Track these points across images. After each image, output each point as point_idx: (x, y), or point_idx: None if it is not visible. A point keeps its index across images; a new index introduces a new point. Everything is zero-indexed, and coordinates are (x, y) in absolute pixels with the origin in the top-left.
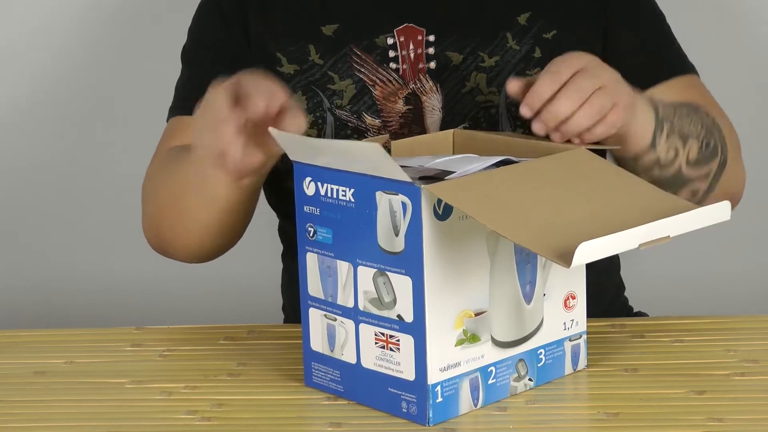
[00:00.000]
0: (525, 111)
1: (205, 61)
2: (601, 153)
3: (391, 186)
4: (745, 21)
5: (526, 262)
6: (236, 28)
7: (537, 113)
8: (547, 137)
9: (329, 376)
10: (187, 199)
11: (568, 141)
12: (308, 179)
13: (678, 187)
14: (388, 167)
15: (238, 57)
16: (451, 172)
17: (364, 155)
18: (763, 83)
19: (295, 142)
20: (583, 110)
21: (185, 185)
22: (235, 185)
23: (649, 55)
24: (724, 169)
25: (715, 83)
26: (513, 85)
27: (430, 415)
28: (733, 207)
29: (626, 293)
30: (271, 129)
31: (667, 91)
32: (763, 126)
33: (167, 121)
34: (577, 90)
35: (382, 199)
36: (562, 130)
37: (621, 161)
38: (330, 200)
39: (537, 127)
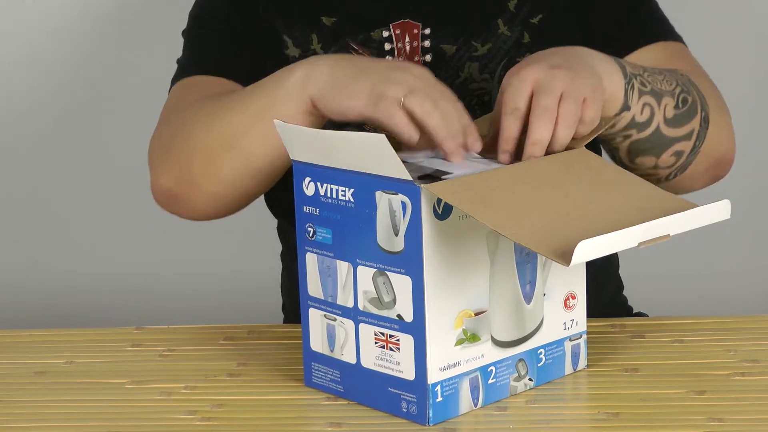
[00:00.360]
0: (506, 158)
1: (213, 28)
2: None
3: (391, 186)
4: (745, 20)
5: (526, 262)
6: (245, 4)
7: (519, 153)
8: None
9: (329, 376)
10: (245, 131)
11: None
12: (308, 179)
13: (661, 150)
14: (390, 160)
15: (245, 32)
16: (448, 172)
17: (367, 146)
18: (764, 83)
19: (296, 134)
20: (559, 126)
21: (243, 122)
22: (303, 119)
23: (633, 19)
24: (707, 127)
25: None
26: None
27: (430, 415)
28: (722, 171)
29: (626, 293)
30: (275, 121)
31: (650, 55)
32: (763, 126)
33: (171, 89)
34: (544, 110)
35: (381, 198)
36: (550, 150)
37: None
38: (329, 200)
39: (531, 160)
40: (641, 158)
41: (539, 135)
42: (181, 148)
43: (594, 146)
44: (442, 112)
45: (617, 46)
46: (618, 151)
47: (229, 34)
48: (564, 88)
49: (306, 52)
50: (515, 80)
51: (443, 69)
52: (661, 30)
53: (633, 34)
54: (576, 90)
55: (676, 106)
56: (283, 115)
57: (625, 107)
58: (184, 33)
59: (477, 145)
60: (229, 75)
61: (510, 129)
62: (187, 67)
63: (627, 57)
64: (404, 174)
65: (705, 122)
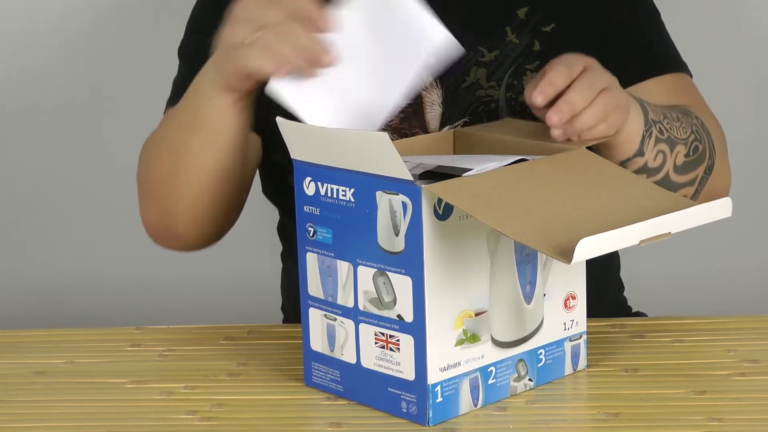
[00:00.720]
0: (538, 98)
1: (201, 57)
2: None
3: (391, 186)
4: (745, 21)
5: (526, 263)
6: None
7: (549, 104)
8: (546, 135)
9: (329, 376)
10: (185, 139)
11: (568, 140)
12: (308, 179)
13: None
14: (391, 158)
15: None
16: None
17: (369, 144)
18: (764, 83)
19: (298, 132)
20: (590, 108)
21: (182, 135)
22: (231, 110)
23: (641, 49)
24: (711, 173)
25: (715, 83)
26: (530, 90)
27: (430, 415)
28: None
29: (626, 293)
30: (278, 118)
31: (657, 87)
32: (763, 126)
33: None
34: (588, 86)
35: (382, 198)
36: (569, 125)
37: None
38: (330, 200)
39: (553, 118)
40: None
41: (576, 98)
42: (150, 182)
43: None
44: (278, 35)
45: (624, 74)
46: None
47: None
48: (609, 84)
49: None
50: (571, 57)
51: (449, 72)
52: (670, 62)
53: (642, 65)
54: (617, 92)
55: (687, 154)
56: (214, 113)
57: (639, 153)
58: (179, 51)
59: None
60: None
61: (557, 76)
62: (172, 99)
63: (634, 87)
64: (405, 174)
65: (710, 170)
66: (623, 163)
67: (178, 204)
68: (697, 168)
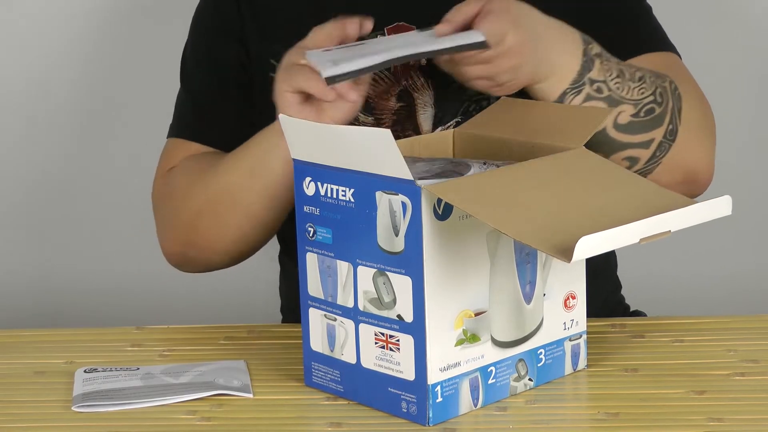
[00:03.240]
0: (444, 27)
1: (199, 81)
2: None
3: (391, 186)
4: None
5: (526, 262)
6: (231, 34)
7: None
8: (547, 132)
9: (329, 376)
10: (239, 191)
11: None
12: (308, 179)
13: (609, 151)
14: (392, 155)
15: (234, 65)
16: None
17: (371, 140)
18: (764, 83)
19: (299, 129)
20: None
21: (234, 178)
22: (288, 166)
23: (626, 29)
24: (672, 140)
25: (715, 83)
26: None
27: (430, 415)
28: (696, 188)
29: (625, 293)
30: (280, 116)
31: (643, 65)
32: (763, 126)
33: (167, 137)
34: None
35: (382, 199)
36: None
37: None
38: (330, 200)
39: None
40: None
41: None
42: (184, 214)
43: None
44: (294, 72)
45: (612, 52)
46: None
47: (213, 84)
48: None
49: None
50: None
51: (439, 73)
52: (656, 40)
53: (628, 44)
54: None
55: (636, 114)
56: (272, 168)
57: (563, 96)
58: (180, 69)
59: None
60: (213, 143)
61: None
62: (175, 127)
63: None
64: (405, 172)
65: (671, 135)
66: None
67: (214, 241)
68: (651, 131)
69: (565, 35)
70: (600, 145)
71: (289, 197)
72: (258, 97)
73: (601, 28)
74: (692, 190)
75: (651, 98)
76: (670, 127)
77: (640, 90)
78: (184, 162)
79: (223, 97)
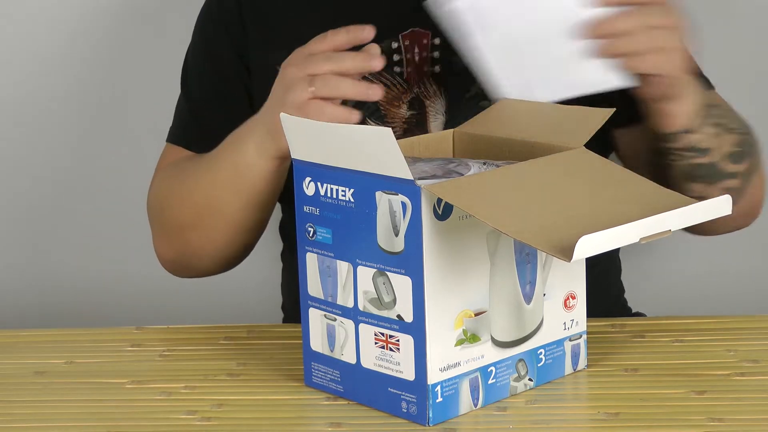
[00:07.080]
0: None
1: (198, 89)
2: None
3: (391, 186)
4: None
5: (526, 262)
6: (234, 42)
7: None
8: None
9: (329, 376)
10: (221, 195)
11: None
12: (308, 179)
13: (712, 181)
14: (393, 154)
15: (234, 74)
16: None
17: (371, 139)
18: (764, 83)
19: (300, 129)
20: (641, 34)
21: (219, 192)
22: (274, 174)
23: None
24: (756, 171)
25: (715, 83)
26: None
27: (430, 415)
28: (750, 220)
29: (626, 294)
30: (281, 114)
31: None
32: (763, 126)
33: (166, 141)
34: (643, 13)
35: (381, 199)
36: (615, 45)
37: (657, 141)
38: (330, 200)
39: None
40: (693, 184)
41: (621, 18)
42: (172, 225)
43: (603, 147)
44: (339, 75)
45: None
46: (671, 170)
47: (212, 95)
48: (670, 24)
49: None
50: None
51: (453, 82)
52: (705, 80)
53: None
54: (678, 36)
55: (738, 144)
56: (256, 179)
57: (690, 129)
58: (182, 72)
59: (377, 63)
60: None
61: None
62: (173, 134)
63: None
64: (405, 172)
65: (755, 167)
66: (670, 137)
67: (204, 249)
68: (744, 161)
69: None
70: (706, 175)
71: (272, 199)
72: (258, 106)
73: None
74: (748, 221)
75: (743, 129)
76: (756, 158)
77: (734, 120)
78: (168, 169)
79: (222, 106)
